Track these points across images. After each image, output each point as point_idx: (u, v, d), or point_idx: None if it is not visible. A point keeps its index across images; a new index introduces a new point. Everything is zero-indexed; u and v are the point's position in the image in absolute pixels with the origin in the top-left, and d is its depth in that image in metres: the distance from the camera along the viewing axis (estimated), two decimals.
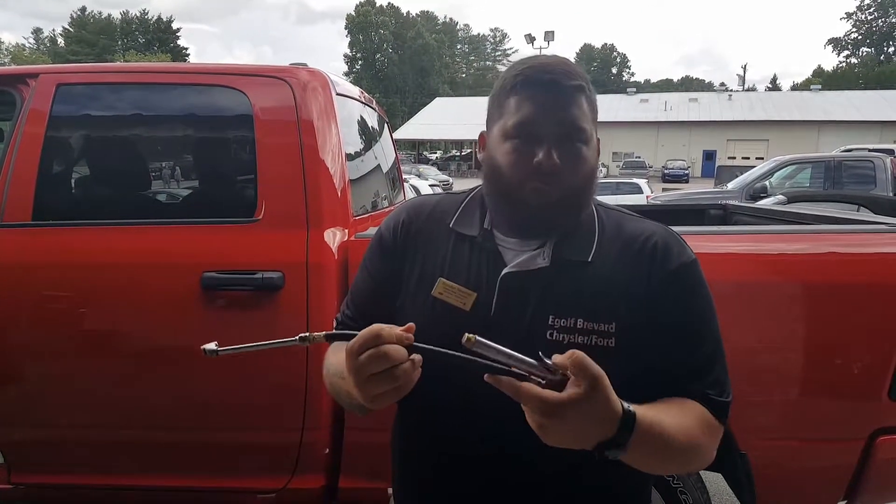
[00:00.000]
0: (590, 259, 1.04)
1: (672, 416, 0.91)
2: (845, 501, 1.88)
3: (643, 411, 0.84)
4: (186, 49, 73.13)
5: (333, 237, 1.90)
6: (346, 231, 1.95)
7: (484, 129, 1.12)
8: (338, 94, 2.12)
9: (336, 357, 1.05)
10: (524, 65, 1.03)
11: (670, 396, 0.98)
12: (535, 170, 0.98)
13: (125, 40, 70.00)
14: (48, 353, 1.93)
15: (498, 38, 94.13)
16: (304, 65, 2.11)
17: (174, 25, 72.07)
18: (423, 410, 1.06)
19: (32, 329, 1.92)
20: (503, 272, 1.03)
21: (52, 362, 1.93)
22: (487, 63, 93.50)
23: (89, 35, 65.84)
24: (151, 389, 1.92)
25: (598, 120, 1.07)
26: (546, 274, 1.03)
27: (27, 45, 66.95)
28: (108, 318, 1.92)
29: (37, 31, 75.39)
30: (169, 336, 1.89)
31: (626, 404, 0.83)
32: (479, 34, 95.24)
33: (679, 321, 1.02)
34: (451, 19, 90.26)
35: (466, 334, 0.79)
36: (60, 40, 68.86)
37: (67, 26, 68.14)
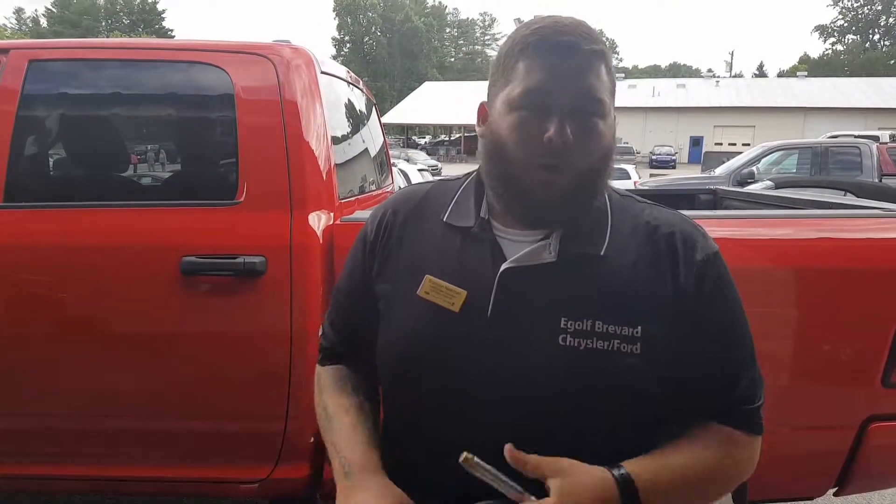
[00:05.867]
0: (602, 253, 0.91)
1: (680, 455, 0.87)
2: (836, 488, 1.88)
3: (640, 465, 0.82)
4: (172, 30, 72.20)
5: (318, 220, 1.84)
6: (332, 214, 1.89)
7: (485, 99, 0.97)
8: (323, 73, 2.05)
9: (334, 403, 1.02)
10: (537, 24, 0.89)
11: (692, 412, 0.92)
12: (545, 148, 0.84)
13: (109, 21, 68.90)
14: (19, 339, 1.86)
15: (487, 23, 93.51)
16: (288, 42, 2.04)
17: (159, 6, 71.01)
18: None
19: (2, 314, 1.84)
20: (502, 267, 0.90)
21: (25, 348, 1.86)
22: (476, 47, 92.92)
23: (72, 15, 64.67)
24: (130, 378, 1.85)
25: None
26: (553, 270, 0.90)
27: (8, 25, 65.63)
28: (83, 304, 1.84)
29: (18, 11, 73.85)
30: (147, 322, 1.82)
31: (615, 470, 0.81)
32: (467, 18, 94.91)
33: (712, 321, 0.92)
34: (439, 2, 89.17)
35: (465, 453, 0.78)
36: (43, 21, 67.60)
37: (50, 6, 66.83)
